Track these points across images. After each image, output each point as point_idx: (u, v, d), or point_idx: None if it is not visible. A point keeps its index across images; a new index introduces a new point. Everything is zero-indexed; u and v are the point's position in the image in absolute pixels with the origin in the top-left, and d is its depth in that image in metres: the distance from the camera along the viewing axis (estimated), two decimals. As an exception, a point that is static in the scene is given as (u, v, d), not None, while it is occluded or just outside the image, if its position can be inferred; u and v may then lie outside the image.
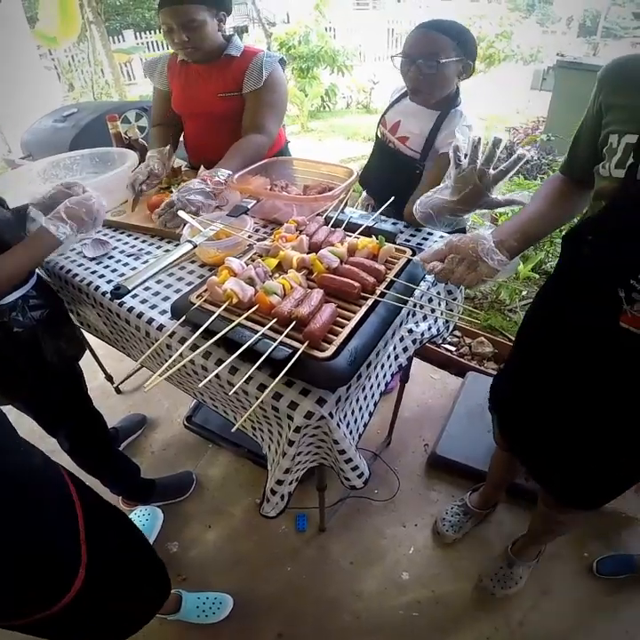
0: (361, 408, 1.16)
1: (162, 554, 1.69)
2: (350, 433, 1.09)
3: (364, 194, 1.90)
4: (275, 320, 0.96)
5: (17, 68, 5.19)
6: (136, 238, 1.56)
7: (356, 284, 1.04)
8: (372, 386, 1.19)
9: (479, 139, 1.08)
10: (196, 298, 1.07)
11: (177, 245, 1.21)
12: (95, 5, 6.25)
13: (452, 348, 2.52)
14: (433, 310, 1.31)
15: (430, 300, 1.32)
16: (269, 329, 0.95)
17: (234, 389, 0.87)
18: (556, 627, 1.51)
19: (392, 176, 1.64)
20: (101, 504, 1.12)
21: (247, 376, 0.88)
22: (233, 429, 0.87)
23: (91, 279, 1.37)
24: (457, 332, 2.58)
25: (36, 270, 1.35)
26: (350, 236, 1.25)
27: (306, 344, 0.91)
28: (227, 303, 1.01)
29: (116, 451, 1.76)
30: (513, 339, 2.47)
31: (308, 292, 1.03)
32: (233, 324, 0.95)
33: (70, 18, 5.33)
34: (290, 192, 1.55)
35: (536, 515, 1.48)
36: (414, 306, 1.15)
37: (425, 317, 1.33)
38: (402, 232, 1.50)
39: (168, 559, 1.71)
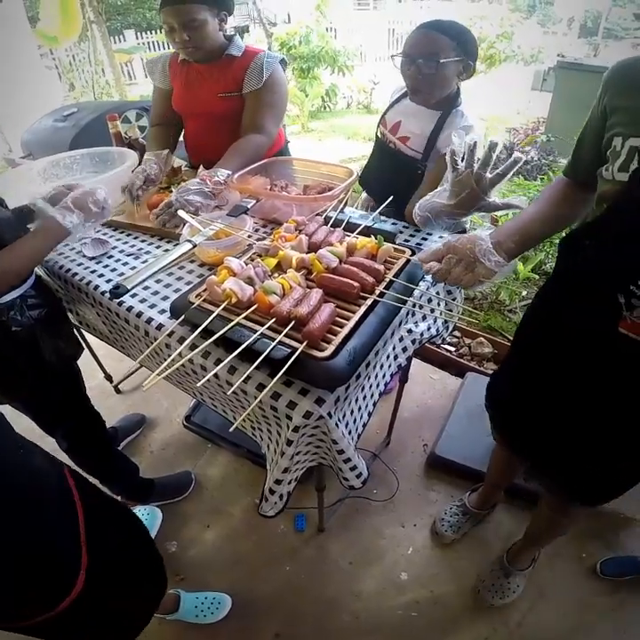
0: (360, 408, 1.16)
1: (160, 553, 1.70)
2: (349, 433, 1.09)
3: (364, 195, 1.90)
4: (274, 320, 0.96)
5: (18, 68, 5.19)
6: (136, 238, 1.56)
7: (356, 283, 1.04)
8: (371, 386, 1.19)
9: (475, 142, 1.08)
10: (196, 297, 1.07)
11: (176, 245, 1.21)
12: (96, 5, 6.24)
13: (452, 349, 2.52)
14: (432, 310, 1.31)
15: (429, 301, 1.32)
16: (268, 328, 0.95)
17: (232, 389, 0.87)
18: (554, 627, 1.51)
19: (392, 176, 1.64)
20: (103, 503, 1.12)
21: (245, 375, 0.88)
22: (231, 428, 0.87)
23: (90, 278, 1.37)
24: (456, 333, 2.58)
25: (35, 270, 1.35)
26: (349, 236, 1.25)
27: (305, 344, 0.91)
28: (226, 303, 1.01)
29: (115, 450, 1.76)
30: (511, 339, 2.48)
31: (307, 292, 1.03)
32: (232, 324, 0.95)
33: (71, 17, 5.33)
34: (290, 192, 1.55)
35: (535, 515, 1.48)
36: (413, 306, 1.15)
37: (424, 317, 1.33)
38: (401, 232, 1.50)
39: (167, 559, 1.69)
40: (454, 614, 1.55)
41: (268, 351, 0.88)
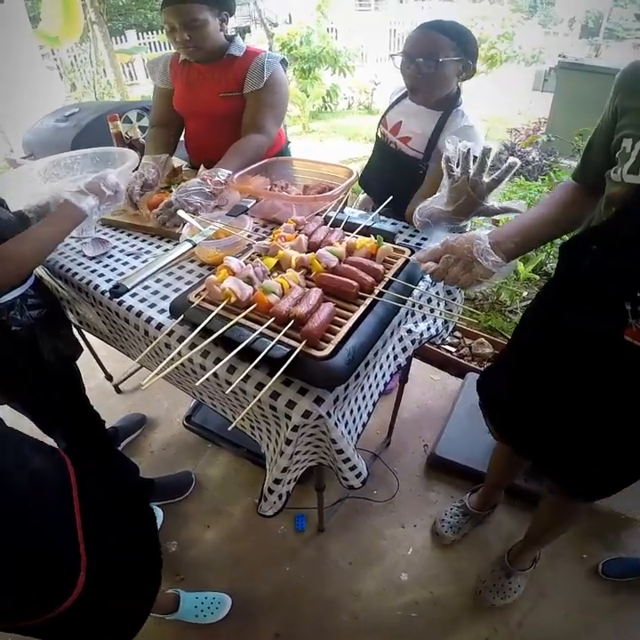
0: (360, 408, 1.16)
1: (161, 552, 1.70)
2: (348, 433, 1.09)
3: (363, 196, 1.90)
4: (273, 319, 0.96)
5: (19, 68, 5.20)
6: (136, 237, 1.56)
7: (355, 283, 1.04)
8: (370, 386, 1.19)
9: (468, 149, 1.09)
10: (195, 297, 1.07)
11: (176, 245, 1.21)
12: (98, 5, 6.25)
13: (452, 349, 2.52)
14: (432, 310, 1.31)
15: (429, 301, 1.32)
16: (267, 328, 0.95)
17: (231, 388, 0.87)
18: (554, 628, 1.51)
19: (393, 177, 1.64)
20: (104, 502, 1.12)
21: (244, 374, 0.88)
22: (230, 428, 0.87)
23: (90, 278, 1.37)
24: (457, 333, 2.57)
25: (35, 270, 1.36)
26: (349, 236, 1.25)
27: (303, 343, 0.91)
28: (225, 302, 1.01)
29: (115, 450, 1.76)
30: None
31: (307, 292, 1.03)
32: (231, 323, 0.95)
33: (73, 18, 5.34)
34: (290, 192, 1.55)
35: (536, 515, 1.48)
36: (413, 306, 1.15)
37: (424, 317, 1.33)
38: (401, 232, 1.50)
39: (167, 559, 1.70)
40: (454, 615, 1.55)
41: (266, 350, 0.88)
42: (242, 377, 0.88)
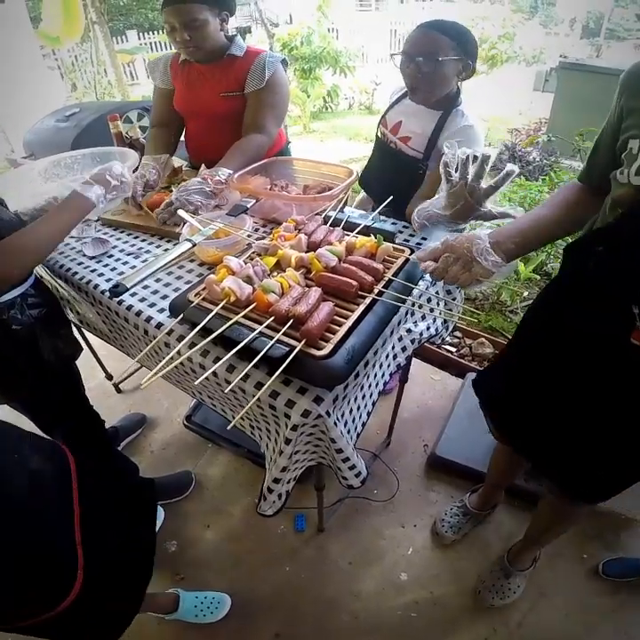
0: (359, 407, 1.16)
1: (160, 553, 1.70)
2: (348, 432, 1.09)
3: (361, 195, 1.90)
4: (272, 318, 0.96)
5: (20, 68, 5.21)
6: (136, 237, 1.56)
7: (354, 282, 1.04)
8: (370, 385, 1.19)
9: (467, 155, 1.09)
10: (195, 296, 1.07)
11: (176, 244, 1.21)
12: (98, 5, 6.27)
13: (453, 349, 2.52)
14: (432, 310, 1.31)
15: (429, 300, 1.32)
16: (267, 327, 0.95)
17: (230, 387, 0.87)
18: (554, 628, 1.51)
19: (393, 176, 1.64)
20: (105, 503, 1.12)
21: (243, 374, 0.88)
22: (229, 427, 0.87)
23: (90, 277, 1.37)
24: (457, 333, 2.57)
25: (35, 270, 1.36)
26: (349, 236, 1.25)
27: (303, 342, 0.91)
28: (225, 301, 1.01)
29: (115, 450, 1.76)
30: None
31: (306, 291, 1.03)
32: (230, 322, 0.95)
33: (73, 18, 5.35)
34: (290, 192, 1.55)
35: (536, 515, 1.47)
36: (412, 305, 1.15)
37: (423, 317, 1.33)
38: (401, 232, 1.50)
39: (166, 558, 1.72)
40: (454, 615, 1.55)
41: (266, 349, 0.88)
42: (241, 376, 0.88)
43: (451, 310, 1.46)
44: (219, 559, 1.72)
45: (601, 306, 0.85)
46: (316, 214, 1.39)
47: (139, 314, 1.21)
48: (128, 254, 1.47)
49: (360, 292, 1.05)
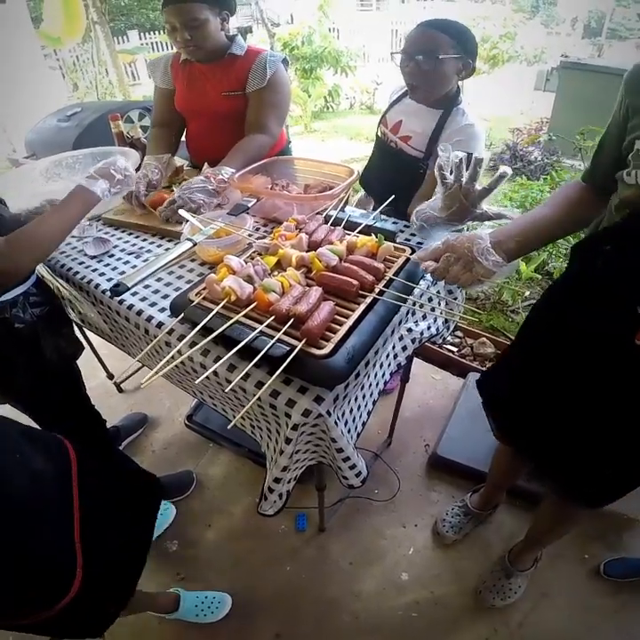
0: (360, 407, 1.15)
1: (161, 552, 1.70)
2: (348, 431, 1.08)
3: (360, 195, 1.90)
4: (273, 317, 0.96)
5: (21, 68, 5.21)
6: (137, 237, 1.56)
7: (355, 282, 1.04)
8: (370, 385, 1.19)
9: (461, 158, 1.10)
10: (195, 295, 1.07)
11: (177, 244, 1.21)
12: (99, 6, 6.28)
13: (454, 349, 2.51)
14: (433, 309, 1.31)
15: (430, 300, 1.31)
16: (267, 326, 0.95)
17: (230, 386, 0.87)
18: (555, 628, 1.51)
19: (394, 176, 1.64)
20: (106, 502, 1.12)
21: (244, 373, 0.88)
22: (229, 426, 0.87)
23: (91, 277, 1.37)
24: (459, 333, 2.57)
25: (37, 269, 1.36)
26: (350, 235, 1.25)
27: (303, 341, 0.90)
28: (225, 300, 1.01)
29: (116, 449, 1.76)
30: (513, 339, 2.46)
31: (307, 290, 1.03)
32: (231, 322, 0.95)
33: (75, 18, 5.36)
34: (291, 191, 1.55)
35: (537, 515, 1.47)
36: (413, 304, 1.15)
37: (424, 316, 1.33)
38: (402, 231, 1.50)
39: (167, 557, 1.72)
40: (455, 615, 1.55)
41: (266, 349, 0.88)
42: (241, 375, 0.88)
43: (452, 310, 1.46)
44: (219, 559, 1.72)
45: (607, 305, 0.84)
46: (317, 213, 1.39)
47: (139, 313, 1.21)
48: (129, 254, 1.47)
49: (361, 292, 1.05)
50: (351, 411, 1.10)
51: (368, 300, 1.04)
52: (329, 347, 0.91)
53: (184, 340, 0.93)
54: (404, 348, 1.28)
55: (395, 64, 1.47)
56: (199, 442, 2.13)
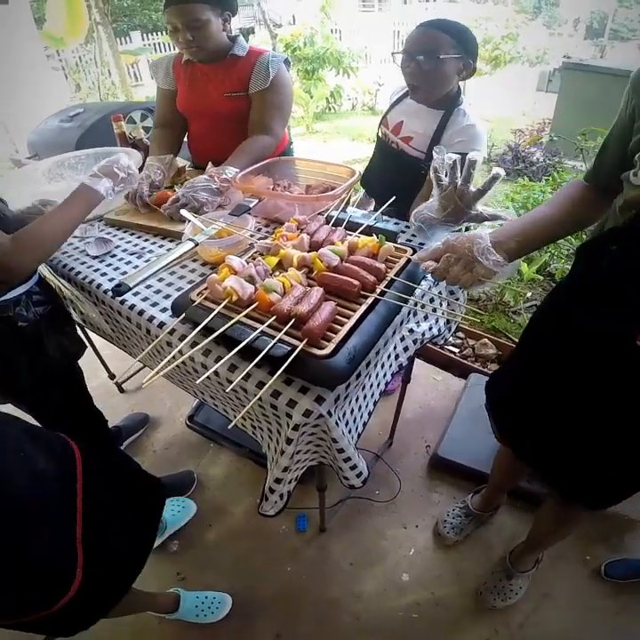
0: (360, 407, 1.15)
1: (162, 552, 1.70)
2: (349, 432, 1.08)
3: (360, 194, 1.90)
4: (274, 318, 0.96)
5: (24, 69, 5.22)
6: (139, 237, 1.56)
7: (356, 282, 1.04)
8: (371, 385, 1.19)
9: (454, 160, 1.12)
10: (197, 295, 1.07)
11: (179, 244, 1.22)
12: (102, 6, 6.30)
13: (456, 350, 2.51)
14: (434, 310, 1.31)
15: (432, 300, 1.31)
16: (268, 327, 0.95)
17: (232, 385, 0.87)
18: (556, 629, 1.50)
19: (395, 177, 1.64)
20: (108, 502, 1.12)
21: (245, 373, 0.88)
22: (230, 426, 0.87)
23: (93, 277, 1.38)
24: (460, 334, 2.57)
25: (39, 269, 1.36)
26: (351, 235, 1.25)
27: (305, 342, 0.90)
28: (226, 300, 1.01)
29: (118, 449, 1.76)
30: (517, 340, 2.45)
31: (308, 291, 1.03)
32: (232, 322, 0.95)
33: (77, 19, 5.37)
34: (292, 192, 1.55)
35: (539, 517, 1.46)
36: (415, 305, 1.15)
37: (426, 317, 1.33)
38: (403, 232, 1.50)
39: (168, 557, 1.71)
40: (456, 616, 1.54)
41: (267, 349, 0.88)
42: (242, 375, 0.88)
43: (453, 311, 1.46)
44: (220, 559, 1.72)
45: (612, 305, 0.84)
46: (319, 214, 1.39)
47: (141, 313, 1.21)
48: (131, 254, 1.47)
49: (362, 292, 1.05)
50: (352, 411, 1.10)
51: (369, 301, 1.04)
52: (330, 347, 0.91)
53: (185, 340, 0.93)
54: (406, 349, 1.28)
55: (395, 64, 1.47)
56: (200, 442, 2.13)
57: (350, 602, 1.59)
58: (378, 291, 1.06)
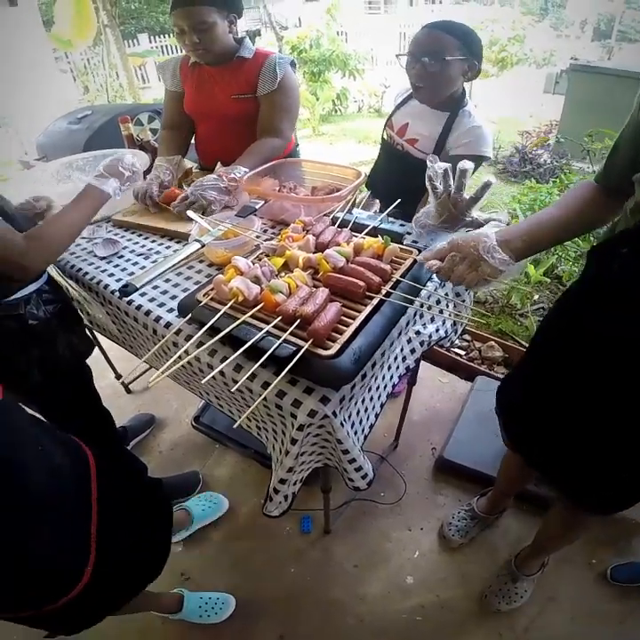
0: (367, 409, 1.15)
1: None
2: (355, 433, 1.08)
3: (363, 195, 1.90)
4: (279, 318, 0.97)
5: (33, 71, 5.28)
6: (146, 238, 1.57)
7: (362, 283, 1.04)
8: (378, 387, 1.18)
9: (446, 169, 1.15)
10: (203, 296, 1.08)
11: (185, 245, 1.22)
12: (110, 9, 6.34)
13: (462, 352, 2.50)
14: (441, 311, 1.31)
15: (438, 302, 1.31)
16: (274, 327, 0.95)
17: (237, 386, 0.87)
18: (561, 633, 1.49)
19: (401, 179, 1.64)
20: (117, 502, 1.12)
21: (250, 373, 0.88)
22: (235, 425, 0.87)
23: (101, 278, 1.38)
24: (467, 337, 2.56)
25: (47, 269, 1.37)
26: (357, 237, 1.25)
27: (310, 342, 0.91)
28: (232, 301, 1.01)
29: (126, 450, 1.77)
30: (523, 343, 2.45)
31: (314, 291, 1.03)
32: (238, 322, 0.95)
33: (85, 21, 5.41)
34: (298, 193, 1.55)
35: (546, 521, 1.45)
36: (421, 306, 1.15)
37: (433, 319, 1.33)
38: (409, 233, 1.50)
39: (172, 558, 1.70)
40: (460, 619, 1.54)
41: (273, 349, 0.88)
42: (248, 375, 0.88)
43: (460, 312, 1.45)
44: (224, 559, 1.72)
45: (623, 308, 0.83)
46: (324, 215, 1.39)
47: (148, 313, 1.22)
48: (138, 255, 1.48)
49: (367, 293, 1.05)
50: (358, 412, 1.10)
51: (375, 302, 1.04)
52: (335, 347, 0.92)
53: (191, 340, 0.94)
54: (413, 351, 1.27)
55: (400, 66, 1.47)
56: (206, 443, 2.13)
57: (354, 604, 1.58)
58: (383, 292, 1.06)
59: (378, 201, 1.86)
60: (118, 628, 1.47)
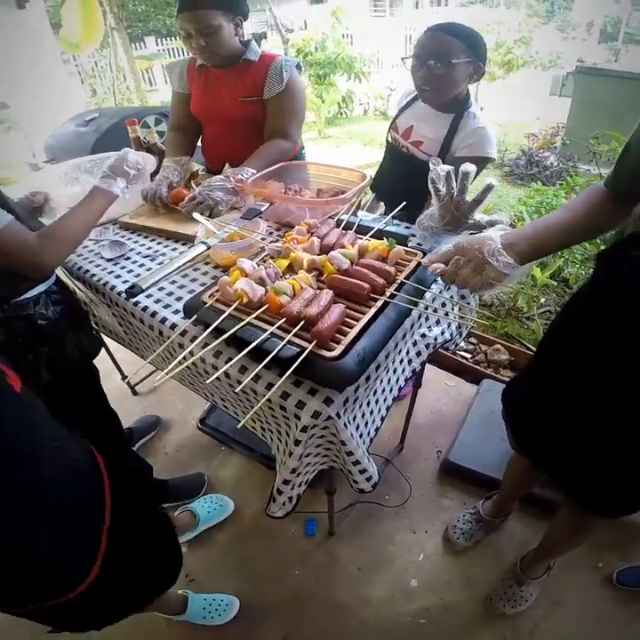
0: (372, 411, 1.15)
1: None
2: (360, 436, 1.08)
3: (368, 197, 1.90)
4: (284, 319, 0.97)
5: (41, 73, 5.32)
6: (152, 240, 1.58)
7: (366, 285, 1.04)
8: (383, 389, 1.18)
9: (447, 172, 1.15)
10: (208, 297, 1.08)
11: (191, 247, 1.23)
12: (117, 12, 6.39)
13: (468, 356, 2.49)
14: (446, 314, 1.30)
15: (443, 305, 1.31)
16: (278, 328, 0.95)
17: (240, 387, 0.88)
18: (566, 637, 1.48)
19: (405, 181, 1.64)
20: (123, 503, 1.13)
21: (254, 374, 0.88)
22: (239, 426, 0.87)
23: (107, 279, 1.40)
24: (473, 339, 2.55)
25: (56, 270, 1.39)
26: (362, 239, 1.25)
27: (314, 343, 0.91)
28: (237, 302, 1.02)
29: (132, 451, 1.78)
30: (530, 346, 2.44)
31: (318, 293, 1.03)
32: (242, 323, 0.96)
33: (93, 24, 5.46)
34: (303, 196, 1.56)
35: (552, 524, 1.44)
36: (425, 308, 1.15)
37: (438, 322, 1.33)
38: (414, 235, 1.50)
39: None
40: (465, 622, 1.53)
41: (277, 350, 0.89)
42: (252, 376, 0.88)
43: (465, 315, 1.45)
44: (228, 561, 1.73)
45: (632, 312, 0.83)
46: (329, 217, 1.40)
47: (154, 315, 1.23)
48: (144, 257, 1.49)
49: (372, 295, 1.05)
50: (363, 415, 1.10)
51: (379, 304, 1.04)
52: (339, 349, 0.92)
53: (196, 341, 0.94)
54: (419, 354, 1.27)
55: (405, 68, 1.48)
56: (211, 445, 2.14)
57: (358, 606, 1.58)
58: (387, 294, 1.06)
59: (383, 203, 1.87)
60: (122, 629, 1.47)
